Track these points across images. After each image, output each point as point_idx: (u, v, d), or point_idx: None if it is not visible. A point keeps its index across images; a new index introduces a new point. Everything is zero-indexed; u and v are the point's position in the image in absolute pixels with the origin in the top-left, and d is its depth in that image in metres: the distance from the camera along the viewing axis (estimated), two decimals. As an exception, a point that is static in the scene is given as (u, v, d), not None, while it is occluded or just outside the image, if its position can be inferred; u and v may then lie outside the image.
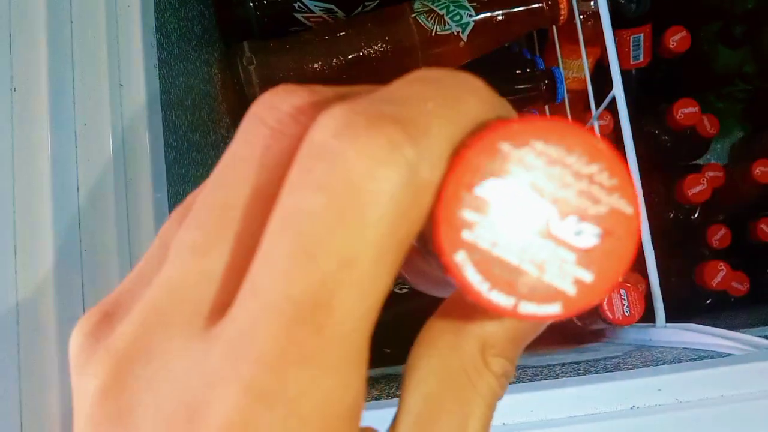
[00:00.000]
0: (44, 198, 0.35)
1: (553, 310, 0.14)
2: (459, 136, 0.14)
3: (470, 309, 0.16)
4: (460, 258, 0.14)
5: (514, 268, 0.14)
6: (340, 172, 0.13)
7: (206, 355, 0.13)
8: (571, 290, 0.14)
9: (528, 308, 0.14)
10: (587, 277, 0.14)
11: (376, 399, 0.39)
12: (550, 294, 0.14)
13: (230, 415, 0.13)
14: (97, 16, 0.36)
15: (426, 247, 0.16)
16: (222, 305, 0.14)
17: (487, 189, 0.14)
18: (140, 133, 0.38)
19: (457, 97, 0.14)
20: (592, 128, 0.63)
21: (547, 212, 0.14)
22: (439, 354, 0.16)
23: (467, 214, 0.14)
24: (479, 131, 0.14)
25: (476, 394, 0.16)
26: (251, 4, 0.57)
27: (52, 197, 0.35)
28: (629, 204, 0.14)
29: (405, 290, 0.67)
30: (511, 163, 0.14)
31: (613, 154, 0.14)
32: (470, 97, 0.15)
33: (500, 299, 0.14)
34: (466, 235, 0.14)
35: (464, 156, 0.14)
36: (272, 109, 0.15)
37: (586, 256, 0.14)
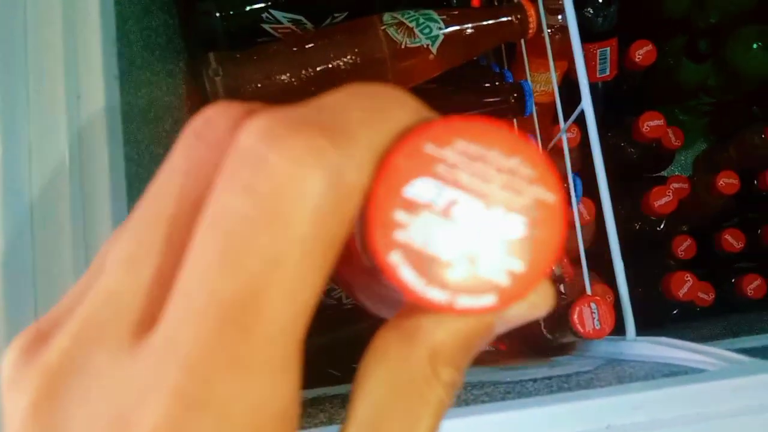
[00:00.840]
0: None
1: (488, 301, 0.14)
2: (385, 142, 0.15)
3: (420, 319, 0.17)
4: (395, 258, 0.14)
5: (447, 264, 0.14)
6: (264, 174, 0.13)
7: (137, 364, 0.13)
8: (504, 281, 0.14)
9: (464, 302, 0.14)
10: (518, 266, 0.14)
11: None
12: (484, 286, 0.14)
13: (159, 423, 0.13)
14: (54, 23, 0.35)
15: (369, 257, 0.16)
16: (155, 314, 0.14)
17: (414, 189, 0.14)
18: (99, 147, 0.37)
19: (383, 107, 0.15)
20: (559, 141, 0.63)
21: (473, 207, 0.14)
22: (389, 363, 0.16)
23: (398, 215, 0.14)
24: (404, 136, 0.15)
25: (425, 403, 0.16)
26: (218, 15, 0.56)
27: (3, 214, 0.33)
28: (551, 192, 0.15)
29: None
30: (435, 162, 0.14)
31: (532, 147, 0.15)
32: (396, 108, 0.15)
33: (436, 295, 0.14)
34: (398, 235, 0.14)
35: (390, 160, 0.14)
36: (208, 123, 0.15)
37: (515, 247, 0.14)
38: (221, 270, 0.13)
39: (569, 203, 0.14)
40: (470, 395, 0.40)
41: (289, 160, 0.13)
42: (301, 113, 0.14)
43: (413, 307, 0.16)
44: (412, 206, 0.14)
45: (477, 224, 0.14)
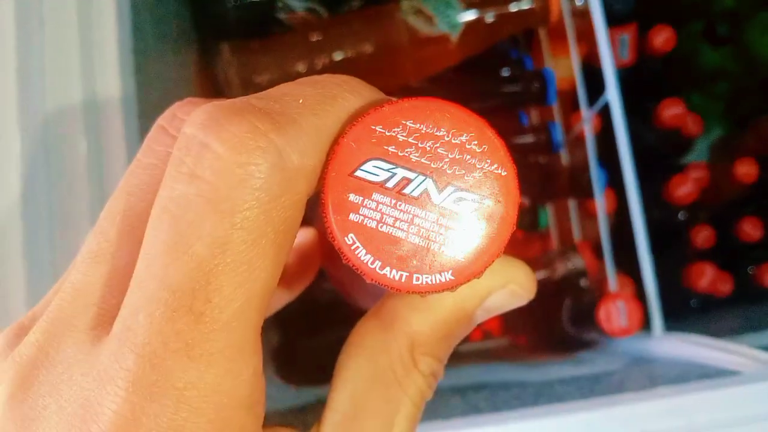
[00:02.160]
0: (13, 216, 0.32)
1: (444, 278, 0.14)
2: (333, 126, 0.15)
3: (398, 308, 0.16)
4: (350, 240, 0.14)
5: (402, 243, 0.14)
6: (206, 160, 0.13)
7: (101, 354, 0.14)
8: (459, 257, 0.14)
9: (422, 280, 0.14)
10: (472, 242, 0.14)
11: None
12: (441, 263, 0.14)
13: (120, 411, 0.13)
14: (69, 18, 0.33)
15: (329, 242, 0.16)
16: (119, 304, 0.14)
17: (365, 171, 0.14)
18: (117, 144, 0.36)
19: (331, 94, 0.15)
20: (580, 130, 0.62)
21: (424, 185, 0.15)
22: (368, 353, 0.16)
23: (351, 197, 0.14)
24: (355, 120, 0.15)
25: (403, 394, 0.16)
26: (231, 3, 0.54)
27: (22, 216, 0.32)
28: (501, 167, 0.15)
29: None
30: (385, 144, 0.15)
31: (481, 123, 0.15)
32: (346, 94, 0.15)
33: (394, 275, 0.14)
34: (352, 217, 0.14)
35: (341, 143, 0.15)
36: (174, 118, 0.16)
37: (468, 223, 0.15)
38: (169, 256, 0.13)
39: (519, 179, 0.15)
40: (498, 398, 0.39)
41: (230, 144, 0.13)
42: (244, 101, 0.15)
43: (391, 298, 0.17)
44: (364, 188, 0.14)
45: (429, 202, 0.15)
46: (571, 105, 0.75)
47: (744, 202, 0.91)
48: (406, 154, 0.15)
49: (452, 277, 0.14)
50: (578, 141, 0.62)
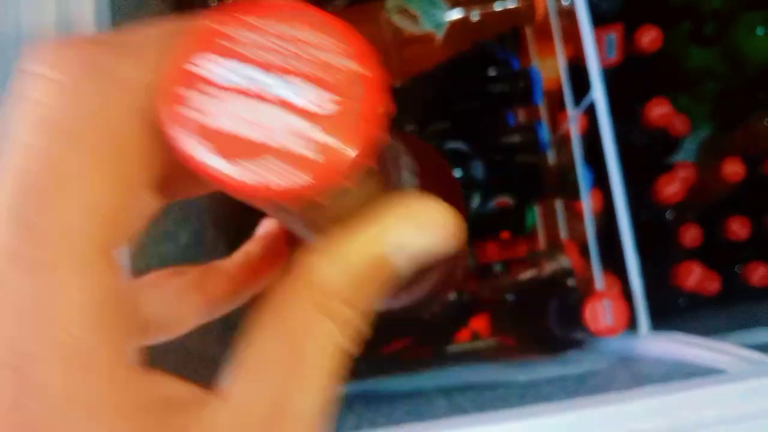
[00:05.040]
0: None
1: (300, 178, 0.13)
2: (170, 36, 0.14)
3: (306, 257, 0.15)
4: (190, 139, 0.13)
5: (250, 141, 0.13)
6: (23, 80, 0.13)
7: None
8: (317, 157, 0.13)
9: (273, 181, 0.13)
10: (331, 141, 0.13)
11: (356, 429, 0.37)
12: (295, 162, 0.13)
13: None
14: (47, 21, 0.33)
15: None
16: None
17: (208, 69, 0.14)
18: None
19: (173, 20, 0.15)
20: (566, 130, 0.62)
21: (271, 81, 0.14)
22: (273, 306, 0.15)
23: (193, 94, 0.13)
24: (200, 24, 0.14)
25: (311, 339, 0.15)
26: (214, 4, 0.54)
27: None
28: (361, 65, 0.14)
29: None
30: (229, 41, 0.14)
31: (336, 19, 0.14)
32: (185, 22, 0.15)
33: (243, 176, 0.13)
34: (194, 115, 0.13)
35: (182, 43, 0.14)
36: None
37: (327, 123, 0.13)
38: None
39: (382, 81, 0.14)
40: (484, 399, 0.39)
41: (40, 60, 0.13)
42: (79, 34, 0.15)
43: (305, 249, 0.16)
44: (205, 85, 0.13)
45: (277, 97, 0.14)
46: (557, 105, 0.75)
47: (731, 201, 0.92)
48: (252, 52, 0.14)
49: (310, 179, 0.13)
50: (565, 141, 0.62)
